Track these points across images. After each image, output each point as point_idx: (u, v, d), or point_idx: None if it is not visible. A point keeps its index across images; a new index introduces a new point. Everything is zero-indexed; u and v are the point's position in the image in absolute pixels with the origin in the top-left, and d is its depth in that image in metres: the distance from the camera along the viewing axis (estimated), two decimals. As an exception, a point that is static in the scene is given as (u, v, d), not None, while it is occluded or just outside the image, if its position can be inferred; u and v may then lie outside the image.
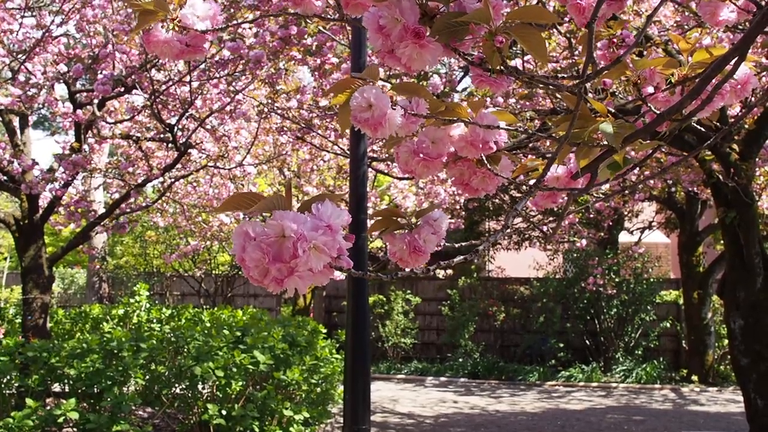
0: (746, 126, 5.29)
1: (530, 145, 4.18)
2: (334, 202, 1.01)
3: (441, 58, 1.18)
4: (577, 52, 4.70)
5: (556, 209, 10.24)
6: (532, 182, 1.42)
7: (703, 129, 3.73)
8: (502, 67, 1.19)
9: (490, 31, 1.14)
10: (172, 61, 5.77)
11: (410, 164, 1.40)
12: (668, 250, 17.25)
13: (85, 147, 6.08)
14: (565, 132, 1.29)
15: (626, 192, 9.97)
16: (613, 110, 1.46)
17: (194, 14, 1.25)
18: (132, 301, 8.19)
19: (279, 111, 7.06)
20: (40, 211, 6.38)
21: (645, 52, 3.61)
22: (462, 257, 1.22)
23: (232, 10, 5.42)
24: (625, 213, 12.35)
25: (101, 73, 5.65)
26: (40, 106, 6.15)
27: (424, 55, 1.14)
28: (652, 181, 9.04)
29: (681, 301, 11.35)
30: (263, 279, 0.98)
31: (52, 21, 5.85)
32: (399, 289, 12.65)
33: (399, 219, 1.30)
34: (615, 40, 1.68)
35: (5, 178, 6.05)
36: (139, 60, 5.80)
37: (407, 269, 1.27)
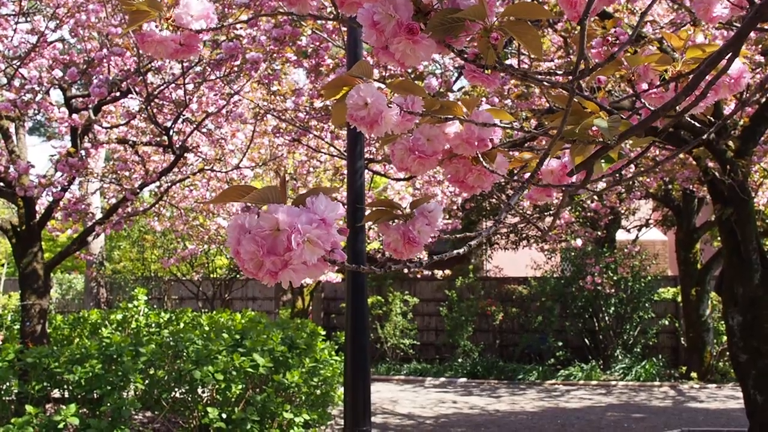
0: (741, 123, 5.31)
1: (526, 143, 4.19)
2: (328, 196, 1.01)
3: (435, 54, 1.19)
4: (572, 51, 4.72)
5: (551, 207, 10.27)
6: (527, 176, 1.43)
7: (698, 125, 3.75)
8: (496, 64, 1.19)
9: (485, 28, 1.15)
10: (167, 61, 5.77)
11: (405, 162, 1.41)
12: (665, 247, 17.28)
13: (82, 152, 6.07)
14: (558, 128, 1.30)
15: (621, 187, 9.98)
16: (607, 107, 1.47)
17: (188, 14, 1.25)
18: (130, 305, 8.18)
19: (275, 113, 7.06)
20: (38, 217, 6.37)
21: (639, 50, 3.62)
22: (455, 251, 1.23)
23: (225, 10, 5.43)
24: (622, 211, 12.38)
25: (96, 78, 5.65)
26: (36, 111, 6.15)
27: (417, 51, 1.14)
28: (648, 179, 9.05)
29: (679, 299, 11.37)
30: (258, 272, 0.99)
31: (47, 26, 5.85)
32: (397, 290, 12.66)
33: (394, 210, 1.30)
34: (609, 37, 1.68)
35: (2, 184, 6.04)
36: (134, 64, 5.80)
37: (399, 263, 1.28)
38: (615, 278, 11.26)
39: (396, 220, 1.30)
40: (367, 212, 1.33)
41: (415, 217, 1.28)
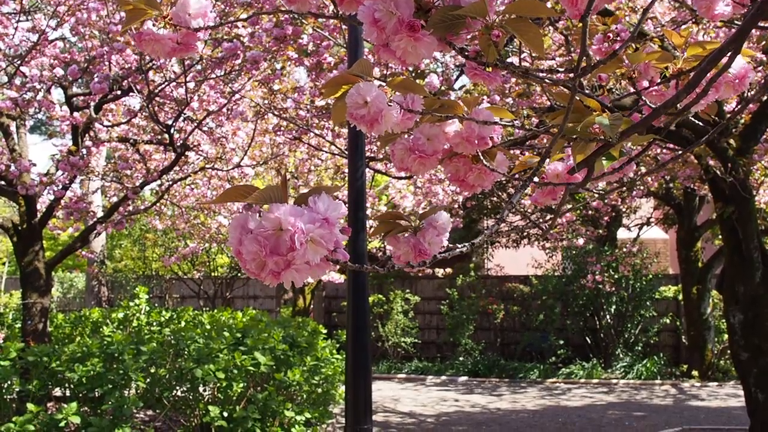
0: (742, 121, 5.30)
1: (527, 142, 4.18)
2: (330, 195, 1.01)
3: (436, 52, 1.19)
4: (573, 49, 4.71)
5: (553, 207, 10.23)
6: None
7: (700, 123, 3.74)
8: (497, 62, 1.19)
9: (486, 25, 1.14)
10: (166, 59, 5.77)
11: (406, 161, 1.40)
12: (667, 245, 17.27)
13: (83, 150, 6.07)
14: (559, 126, 1.29)
15: (624, 188, 9.98)
16: (608, 105, 1.47)
17: (186, 12, 1.25)
18: (131, 304, 8.18)
19: (276, 111, 7.06)
20: (39, 216, 6.37)
21: (640, 48, 3.61)
22: (458, 250, 1.22)
23: (226, 9, 5.42)
24: (623, 209, 12.38)
25: (97, 75, 5.65)
26: (37, 110, 6.14)
27: (418, 48, 1.14)
28: (649, 178, 9.05)
29: (680, 297, 11.37)
30: (260, 272, 0.98)
31: (48, 24, 5.85)
32: (398, 289, 12.66)
33: (401, 221, 1.29)
34: (610, 34, 1.68)
35: (3, 182, 6.04)
36: (135, 62, 5.80)
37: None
38: (616, 277, 11.26)
39: (405, 233, 1.29)
40: (372, 224, 1.33)
41: (424, 229, 1.26)
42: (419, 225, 1.29)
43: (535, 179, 1.41)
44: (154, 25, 1.26)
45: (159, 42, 1.26)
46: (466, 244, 1.24)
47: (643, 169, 6.71)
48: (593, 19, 1.70)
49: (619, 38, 1.71)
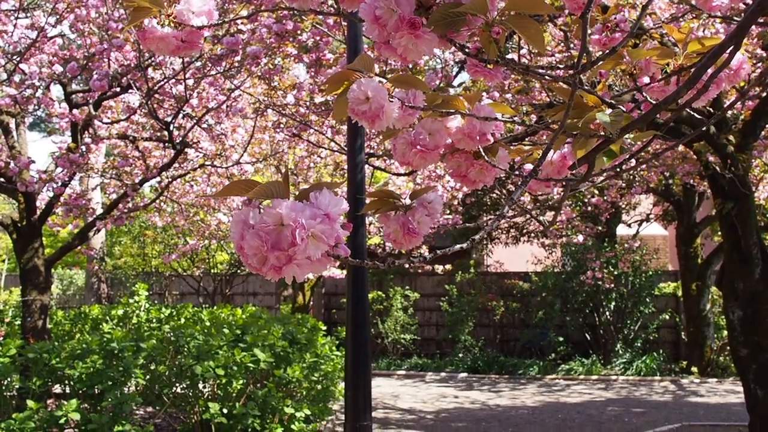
0: (741, 117, 5.31)
1: (527, 138, 4.18)
2: (331, 191, 1.01)
3: (436, 48, 1.19)
4: (572, 46, 4.71)
5: (551, 203, 10.25)
6: (528, 167, 1.42)
7: (698, 116, 3.74)
8: (498, 58, 1.19)
9: (486, 22, 1.15)
10: (168, 57, 5.76)
11: (407, 156, 1.41)
12: (666, 242, 17.28)
13: (82, 147, 6.07)
14: (560, 122, 1.30)
15: (621, 182, 9.98)
16: (609, 100, 1.47)
17: (189, 10, 1.25)
18: (131, 301, 8.18)
19: (275, 108, 7.06)
20: (38, 213, 6.37)
21: (640, 44, 3.61)
22: (458, 246, 1.23)
23: (225, 5, 5.41)
24: (623, 206, 12.39)
25: (96, 72, 5.64)
26: (36, 107, 6.14)
27: (419, 45, 1.14)
28: (648, 174, 9.05)
29: (680, 293, 11.38)
30: (261, 267, 0.99)
31: (47, 21, 5.84)
32: (398, 286, 12.67)
33: (394, 200, 1.31)
34: (609, 24, 1.68)
35: (2, 179, 6.04)
36: (134, 59, 5.80)
37: (401, 258, 1.28)
38: (615, 273, 11.27)
39: (396, 211, 1.31)
40: (368, 201, 1.33)
41: (414, 208, 1.28)
42: (410, 204, 1.30)
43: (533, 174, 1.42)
44: (158, 23, 1.26)
45: (163, 40, 1.26)
46: (464, 236, 1.24)
47: (639, 162, 6.71)
48: (592, 11, 1.71)
49: (618, 29, 1.71)
